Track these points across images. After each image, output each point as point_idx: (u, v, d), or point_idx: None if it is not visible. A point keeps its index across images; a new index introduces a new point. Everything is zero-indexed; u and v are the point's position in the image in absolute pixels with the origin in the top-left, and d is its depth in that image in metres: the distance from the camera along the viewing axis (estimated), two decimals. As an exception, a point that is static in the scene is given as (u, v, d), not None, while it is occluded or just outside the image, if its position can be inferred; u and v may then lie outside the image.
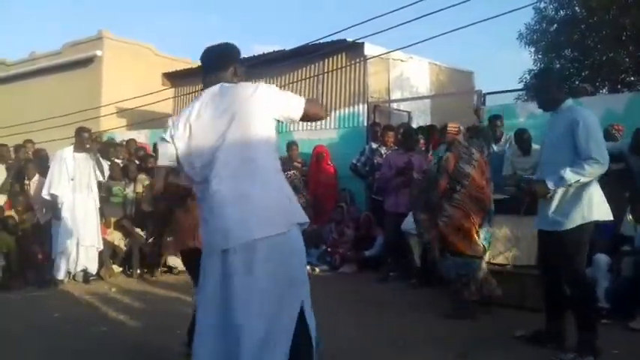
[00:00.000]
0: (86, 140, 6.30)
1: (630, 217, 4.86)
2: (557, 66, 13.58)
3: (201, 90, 2.46)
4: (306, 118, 2.40)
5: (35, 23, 47.87)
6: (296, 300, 2.19)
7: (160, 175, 2.58)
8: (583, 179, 3.31)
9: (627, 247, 4.71)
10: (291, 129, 9.07)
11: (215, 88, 2.36)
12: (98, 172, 6.39)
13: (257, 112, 2.25)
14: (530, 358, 3.53)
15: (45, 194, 6.07)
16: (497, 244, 5.25)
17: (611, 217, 3.47)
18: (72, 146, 6.27)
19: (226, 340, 2.14)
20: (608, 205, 3.43)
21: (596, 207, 3.35)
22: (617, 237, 4.87)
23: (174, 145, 2.31)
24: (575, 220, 3.34)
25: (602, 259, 4.52)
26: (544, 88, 3.58)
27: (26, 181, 6.64)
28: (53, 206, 6.05)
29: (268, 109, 2.28)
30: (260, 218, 2.15)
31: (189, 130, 2.28)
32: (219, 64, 2.45)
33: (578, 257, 3.40)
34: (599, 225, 3.55)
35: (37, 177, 6.61)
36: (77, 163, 6.14)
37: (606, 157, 3.30)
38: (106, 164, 6.78)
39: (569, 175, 3.31)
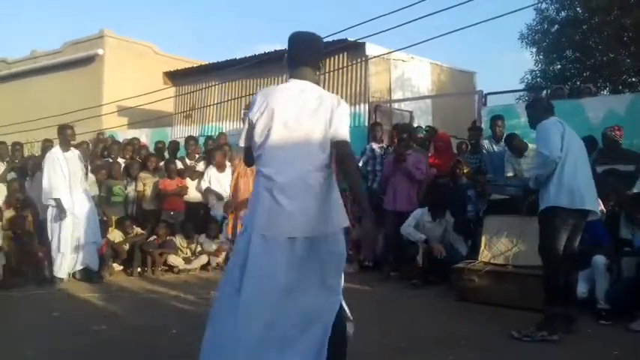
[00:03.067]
0: (70, 137, 6.18)
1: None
2: (558, 67, 13.58)
3: (288, 77, 2.62)
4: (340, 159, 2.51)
5: (36, 21, 48.02)
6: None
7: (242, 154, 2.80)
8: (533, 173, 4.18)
9: (627, 249, 4.71)
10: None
11: (302, 84, 2.55)
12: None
13: (328, 125, 2.46)
14: (529, 358, 3.53)
15: (46, 200, 5.96)
16: (498, 244, 5.24)
17: (574, 206, 3.84)
18: (58, 146, 6.12)
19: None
20: (579, 195, 3.86)
21: (564, 196, 3.86)
22: (617, 240, 4.86)
23: (252, 124, 2.52)
24: (542, 204, 3.99)
25: (600, 260, 4.51)
26: (531, 115, 4.27)
27: (28, 178, 6.62)
28: (59, 208, 5.91)
29: (332, 126, 2.47)
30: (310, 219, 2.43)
31: (269, 113, 2.47)
32: (311, 60, 2.63)
33: (547, 235, 3.97)
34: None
35: (39, 173, 6.59)
36: (69, 162, 6.05)
37: (540, 157, 3.99)
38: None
39: None
